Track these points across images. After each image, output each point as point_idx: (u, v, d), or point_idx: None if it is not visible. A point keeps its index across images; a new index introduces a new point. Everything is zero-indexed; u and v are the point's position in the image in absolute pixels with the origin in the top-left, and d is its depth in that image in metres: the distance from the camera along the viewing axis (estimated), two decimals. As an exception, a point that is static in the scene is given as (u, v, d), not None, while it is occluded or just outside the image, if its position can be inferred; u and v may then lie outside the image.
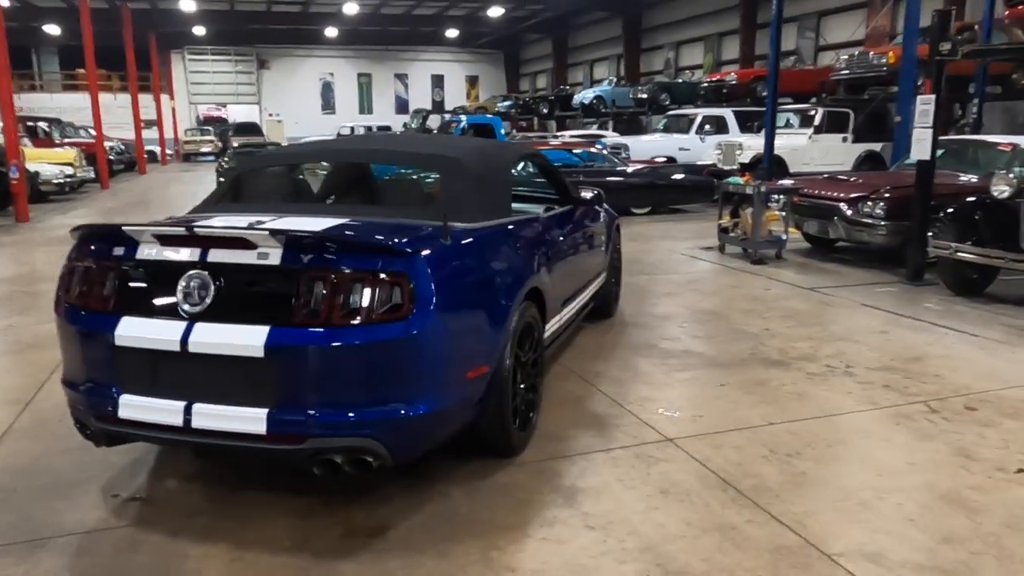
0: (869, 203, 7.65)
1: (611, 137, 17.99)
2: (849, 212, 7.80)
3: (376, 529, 2.83)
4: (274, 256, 2.62)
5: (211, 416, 2.62)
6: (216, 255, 2.67)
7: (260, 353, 2.55)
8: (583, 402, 4.14)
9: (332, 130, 34.09)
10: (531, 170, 5.78)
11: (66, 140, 21.01)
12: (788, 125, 15.05)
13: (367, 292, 2.60)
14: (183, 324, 2.64)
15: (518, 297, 3.28)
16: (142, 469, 3.36)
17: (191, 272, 2.68)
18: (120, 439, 2.95)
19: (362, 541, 2.76)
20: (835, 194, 8.08)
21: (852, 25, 19.95)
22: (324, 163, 4.58)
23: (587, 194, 5.04)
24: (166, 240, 2.74)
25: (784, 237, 8.47)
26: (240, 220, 3.05)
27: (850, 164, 14.18)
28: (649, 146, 16.19)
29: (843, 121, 14.42)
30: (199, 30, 34.14)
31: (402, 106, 41.91)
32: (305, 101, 41.09)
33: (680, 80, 23.90)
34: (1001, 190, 6.19)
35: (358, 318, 2.59)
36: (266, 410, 2.58)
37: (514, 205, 4.85)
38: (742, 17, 24.07)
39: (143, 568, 2.64)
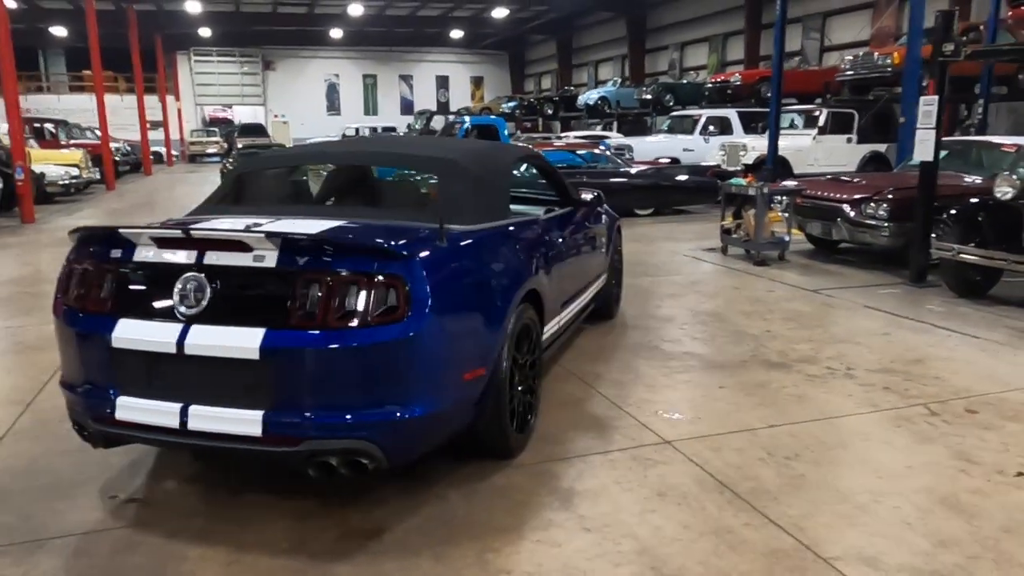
0: (872, 204, 7.63)
1: (615, 138, 17.99)
2: (852, 213, 7.78)
3: (372, 531, 2.83)
4: (270, 258, 2.62)
5: (207, 418, 2.63)
6: (212, 257, 2.68)
7: (256, 355, 2.55)
8: (582, 404, 4.14)
9: (337, 131, 34.21)
10: (532, 172, 5.77)
11: (72, 141, 21.10)
12: (792, 126, 15.01)
13: (363, 294, 2.61)
14: (179, 326, 2.65)
15: (515, 299, 3.27)
16: (140, 470, 3.37)
17: (187, 274, 2.69)
18: (117, 441, 2.95)
19: (358, 543, 2.76)
20: (838, 195, 8.06)
21: (857, 26, 19.91)
22: (323, 165, 4.59)
23: (587, 196, 5.04)
24: (163, 242, 2.75)
25: (787, 238, 8.46)
26: (237, 222, 3.05)
27: (854, 165, 14.14)
28: (653, 147, 16.18)
29: (847, 122, 14.38)
30: (205, 31, 34.25)
31: (407, 107, 41.96)
32: (310, 102, 41.19)
33: (684, 81, 23.91)
34: (1004, 192, 6.17)
35: (354, 320, 2.59)
36: (262, 412, 2.58)
37: (514, 207, 4.87)
38: (747, 18, 24.03)
39: (140, 569, 2.65)
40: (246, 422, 2.58)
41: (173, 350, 2.63)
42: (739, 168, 13.27)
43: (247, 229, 2.81)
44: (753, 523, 2.89)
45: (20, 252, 9.84)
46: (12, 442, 3.74)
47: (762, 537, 2.79)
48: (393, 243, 2.72)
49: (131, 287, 2.83)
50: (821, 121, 14.34)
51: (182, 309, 2.67)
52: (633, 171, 12.71)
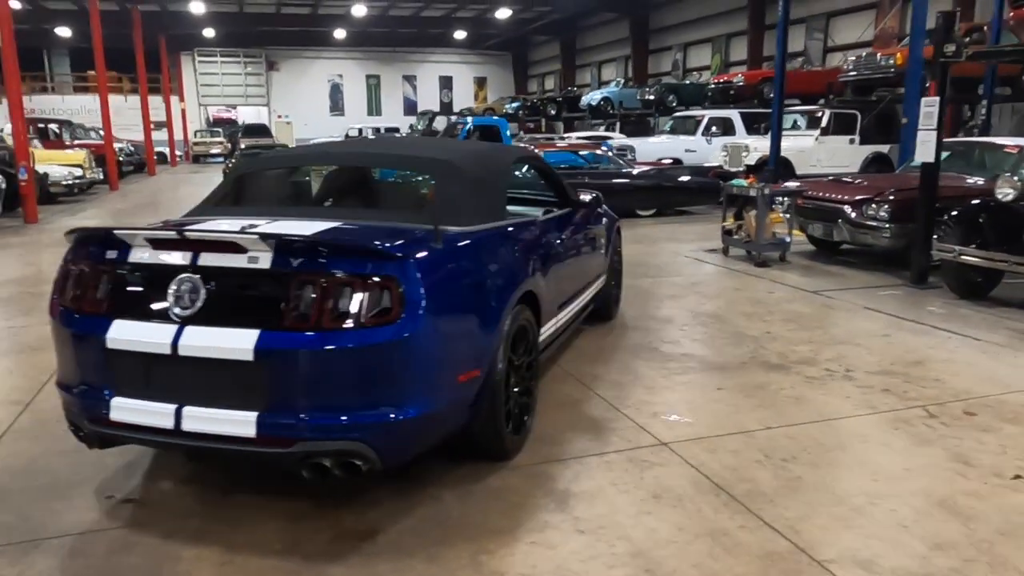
0: (873, 205, 7.62)
1: (617, 139, 17.98)
2: (853, 214, 7.76)
3: (366, 532, 2.83)
4: (264, 260, 2.62)
5: (201, 419, 2.63)
6: (207, 259, 2.68)
7: (249, 356, 2.56)
8: (580, 405, 4.13)
9: (341, 131, 34.26)
10: (531, 173, 5.77)
11: (76, 142, 21.17)
12: (795, 127, 14.99)
13: (357, 296, 2.61)
14: (174, 327, 2.65)
15: (511, 301, 3.27)
16: (137, 471, 3.37)
17: (182, 276, 2.69)
18: (113, 441, 2.96)
19: (351, 544, 2.76)
20: (839, 196, 8.05)
21: (861, 26, 19.87)
22: (322, 166, 4.59)
23: (586, 197, 5.03)
24: (157, 244, 2.76)
25: (788, 239, 8.44)
26: (233, 223, 3.06)
27: (857, 166, 14.11)
28: (655, 148, 16.16)
29: (850, 123, 14.35)
30: (209, 32, 34.35)
31: (411, 107, 42.01)
32: (314, 103, 41.25)
33: (687, 82, 23.88)
34: (1006, 193, 6.15)
35: (348, 322, 2.59)
36: (255, 413, 2.59)
37: (513, 208, 4.87)
38: (750, 18, 24.01)
39: (136, 570, 2.65)
40: (240, 423, 2.59)
41: (167, 351, 2.63)
42: (741, 169, 13.25)
43: (243, 230, 2.82)
44: (748, 525, 2.88)
45: (23, 252, 9.87)
46: (11, 441, 3.75)
47: (757, 539, 2.78)
48: (387, 244, 2.72)
49: (126, 288, 2.84)
50: (824, 122, 14.32)
51: (176, 310, 2.68)
52: (635, 172, 12.71)
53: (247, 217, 3.25)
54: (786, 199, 8.66)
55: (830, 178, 9.52)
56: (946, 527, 2.86)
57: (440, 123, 27.46)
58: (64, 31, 31.54)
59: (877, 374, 4.62)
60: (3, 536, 2.85)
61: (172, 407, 2.66)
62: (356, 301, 2.60)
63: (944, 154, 7.82)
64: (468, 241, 3.19)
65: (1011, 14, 8.74)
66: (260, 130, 32.22)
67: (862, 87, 15.00)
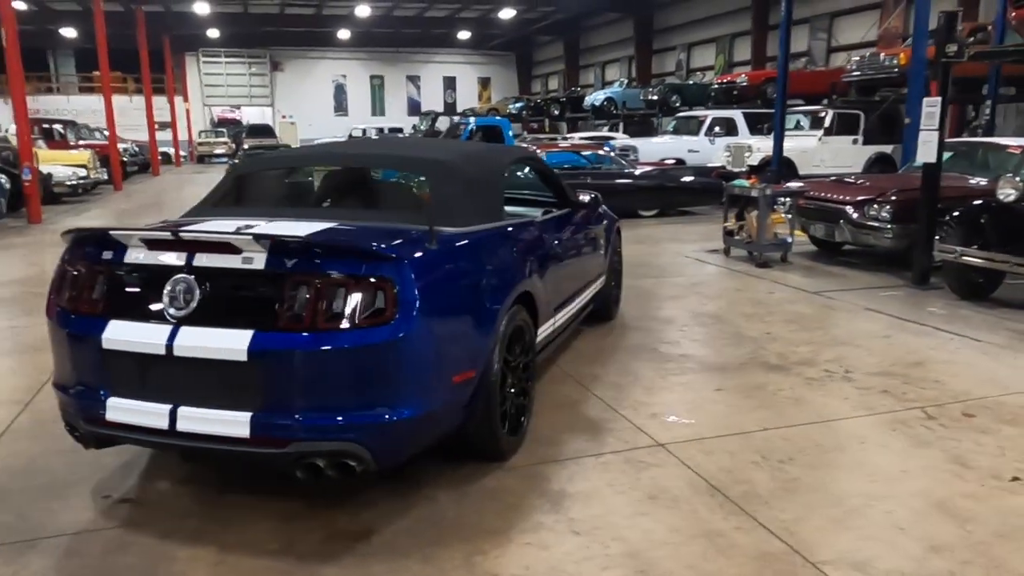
0: (875, 206, 7.59)
1: (620, 139, 17.96)
2: (855, 215, 7.74)
3: (360, 533, 2.84)
4: (258, 260, 2.63)
5: (196, 419, 2.64)
6: (202, 259, 2.69)
7: (243, 357, 2.56)
8: (578, 406, 4.13)
9: (345, 132, 34.27)
10: (531, 174, 5.77)
11: (81, 142, 21.23)
12: (798, 127, 14.95)
13: (351, 297, 2.61)
14: (168, 328, 2.66)
15: (507, 301, 3.27)
16: (134, 471, 3.38)
17: (177, 276, 2.70)
18: (108, 441, 2.96)
19: (346, 545, 2.76)
20: (841, 197, 8.03)
21: (865, 26, 19.80)
22: (319, 167, 4.60)
23: (585, 197, 5.03)
24: (153, 244, 2.76)
25: (789, 240, 8.42)
26: (229, 224, 3.06)
27: (861, 166, 14.07)
28: (658, 148, 16.14)
29: (853, 123, 14.31)
30: (213, 33, 34.42)
31: (414, 108, 42.03)
32: (318, 103, 41.29)
33: (691, 82, 23.83)
34: (1007, 193, 6.13)
35: (342, 323, 2.59)
36: (249, 414, 2.59)
37: (513, 209, 4.87)
38: (754, 19, 23.95)
39: (131, 569, 2.66)
40: (234, 423, 2.59)
41: (162, 351, 2.64)
42: (744, 169, 13.23)
43: (238, 231, 2.82)
44: (744, 527, 2.87)
45: (26, 252, 9.91)
46: (10, 441, 3.77)
47: (752, 541, 2.78)
48: (382, 245, 2.73)
49: (122, 289, 2.85)
50: (827, 122, 14.28)
51: (171, 311, 2.68)
52: (638, 172, 12.70)
53: (244, 218, 3.26)
54: (788, 199, 8.64)
55: (832, 178, 9.49)
56: (943, 529, 2.85)
57: (443, 123, 27.48)
58: (69, 32, 31.65)
59: (876, 375, 4.60)
60: (0, 536, 2.85)
61: (167, 407, 2.67)
62: (350, 302, 2.60)
63: (947, 154, 7.80)
64: (463, 242, 3.19)
65: (1013, 14, 8.71)
66: (264, 130, 32.28)
67: (865, 87, 14.94)
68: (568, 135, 23.47)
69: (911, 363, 4.84)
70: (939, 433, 3.74)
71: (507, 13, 31.08)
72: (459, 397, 3.01)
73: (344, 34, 35.79)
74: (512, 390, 3.41)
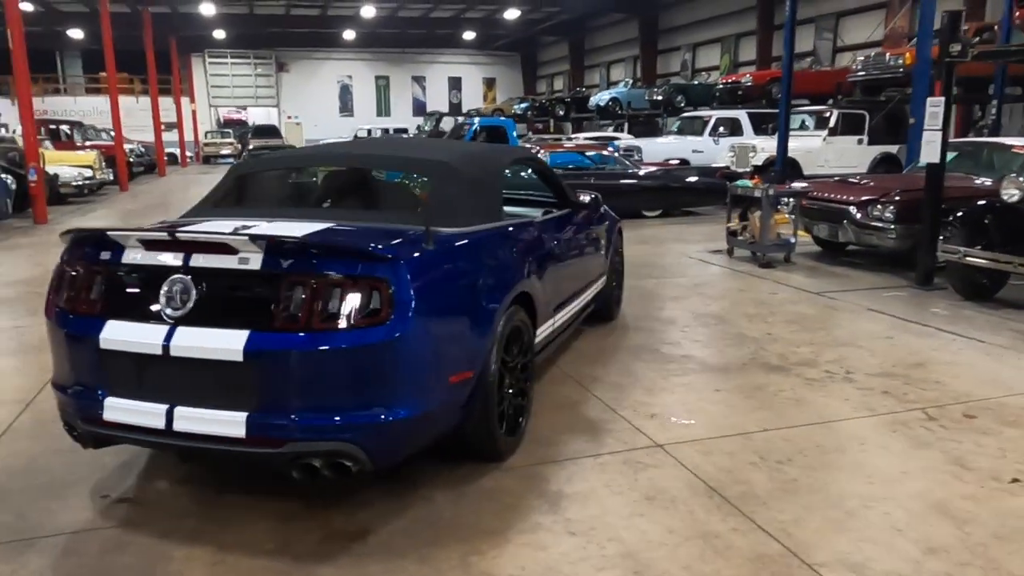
0: (879, 206, 7.57)
1: (625, 139, 17.95)
2: (858, 215, 7.72)
3: (357, 533, 2.84)
4: (254, 261, 2.63)
5: (192, 419, 2.64)
6: (198, 260, 2.69)
7: (239, 357, 2.56)
8: (577, 407, 4.12)
9: (350, 132, 34.35)
10: (532, 175, 5.77)
11: (88, 143, 21.32)
12: (803, 127, 14.92)
13: (347, 297, 2.61)
14: (165, 328, 2.67)
15: (504, 302, 3.27)
16: (133, 471, 3.39)
17: (174, 276, 2.71)
18: (106, 441, 2.97)
19: (342, 545, 2.77)
20: (845, 197, 8.00)
21: (871, 26, 19.74)
22: (318, 167, 4.61)
23: (585, 198, 5.02)
24: (150, 245, 2.77)
25: (793, 240, 8.40)
26: (227, 224, 3.07)
27: (866, 166, 14.03)
28: (663, 148, 16.13)
29: (858, 123, 14.27)
30: (219, 34, 34.52)
31: (420, 108, 42.07)
32: (324, 103, 41.41)
33: (696, 82, 23.79)
34: (1011, 194, 6.10)
35: (337, 323, 2.60)
36: (245, 414, 2.59)
37: (513, 209, 4.87)
38: (759, 18, 23.92)
39: (128, 569, 2.67)
40: (230, 423, 2.60)
41: (159, 352, 2.65)
42: (748, 169, 13.20)
43: (236, 231, 2.82)
44: (741, 528, 2.87)
45: (32, 253, 9.95)
46: (10, 440, 3.78)
47: (749, 542, 2.77)
48: (377, 246, 2.73)
49: (120, 289, 2.86)
50: (832, 122, 14.25)
51: (168, 311, 2.69)
52: (642, 172, 12.68)
53: (242, 218, 3.26)
54: (791, 200, 8.62)
55: (836, 178, 9.47)
56: (941, 531, 2.84)
57: (447, 124, 27.52)
58: (76, 33, 31.80)
59: (878, 376, 4.59)
60: (-2, 535, 2.87)
61: (164, 407, 2.68)
62: (346, 302, 2.61)
63: (952, 154, 7.78)
64: (461, 242, 3.19)
65: (1018, 13, 8.68)
66: (270, 131, 32.39)
67: (871, 87, 14.91)
68: (573, 135, 23.46)
69: (913, 364, 4.82)
70: (939, 434, 3.73)
71: (512, 14, 31.11)
72: (456, 397, 3.01)
73: (349, 35, 35.85)
74: (510, 391, 3.41)
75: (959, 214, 6.49)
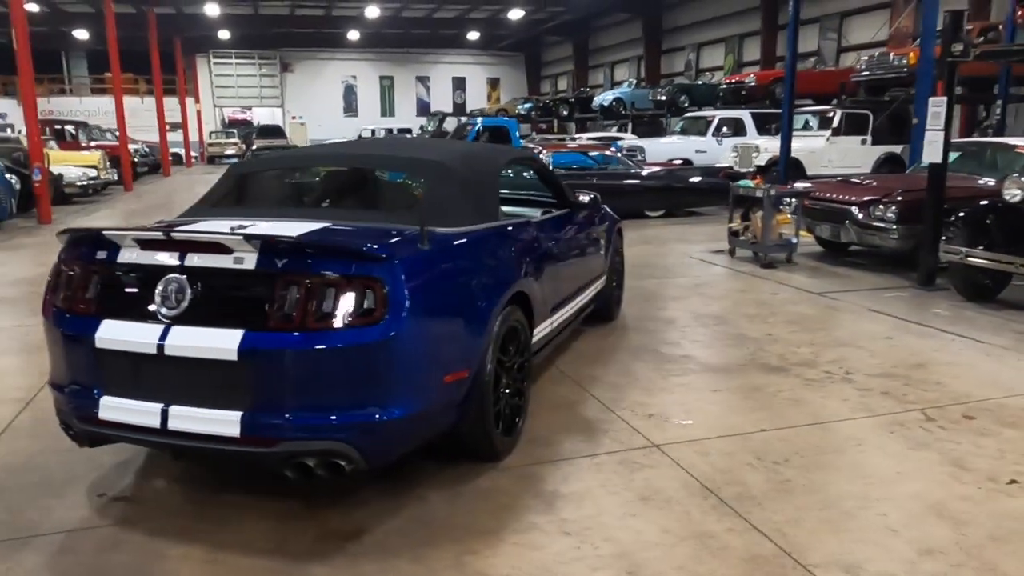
0: (881, 206, 7.55)
1: (628, 139, 17.94)
2: (860, 215, 7.69)
3: (352, 532, 2.84)
4: (249, 260, 2.64)
5: (187, 418, 2.65)
6: (194, 259, 2.70)
7: (233, 356, 2.57)
8: (575, 407, 4.12)
9: (354, 132, 34.41)
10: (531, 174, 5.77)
11: (93, 143, 21.39)
12: (807, 127, 14.89)
13: (341, 297, 2.61)
14: (160, 327, 2.67)
15: (500, 302, 3.26)
16: (130, 469, 3.40)
17: (169, 276, 2.71)
18: (102, 440, 2.99)
19: (336, 544, 2.77)
20: (847, 197, 7.98)
21: (875, 26, 19.69)
22: (317, 167, 4.61)
23: (584, 198, 5.02)
24: (146, 244, 2.78)
25: (794, 240, 8.38)
26: (223, 224, 3.07)
27: (869, 167, 13.99)
28: (665, 148, 16.11)
29: (862, 123, 14.23)
30: (224, 34, 34.62)
31: (424, 108, 42.12)
32: (328, 104, 41.47)
33: (700, 82, 23.77)
34: (1013, 194, 6.08)
35: (332, 322, 2.60)
36: (239, 413, 2.60)
37: (513, 209, 4.87)
38: (763, 18, 23.88)
39: (123, 567, 2.67)
40: (224, 423, 2.60)
41: (154, 351, 2.65)
42: (751, 169, 13.18)
43: (232, 231, 2.83)
44: (736, 528, 2.86)
45: (36, 252, 9.98)
46: (10, 439, 3.80)
47: (743, 543, 2.76)
48: (372, 246, 2.73)
49: (115, 288, 2.87)
50: (835, 122, 14.22)
51: (163, 310, 2.70)
52: (645, 173, 12.67)
53: (239, 218, 3.27)
54: (793, 200, 8.60)
55: (839, 179, 9.44)
56: (936, 532, 2.83)
57: (450, 124, 27.55)
58: (82, 34, 31.92)
59: (877, 377, 4.57)
60: (-5, 533, 2.88)
61: (159, 406, 2.68)
62: (340, 302, 2.61)
63: (955, 155, 7.76)
64: (456, 242, 3.19)
65: (1020, 13, 8.65)
66: (274, 131, 32.44)
67: (875, 87, 14.88)
68: (576, 135, 23.45)
69: (913, 365, 4.81)
70: (938, 435, 3.71)
71: (516, 14, 31.11)
72: (451, 397, 3.01)
73: (354, 35, 35.92)
74: (506, 390, 3.41)
75: (961, 214, 6.47)
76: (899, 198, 7.47)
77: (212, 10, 28.61)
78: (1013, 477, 3.26)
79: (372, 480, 3.10)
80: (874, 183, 8.40)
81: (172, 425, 2.67)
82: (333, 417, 2.62)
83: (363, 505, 3.02)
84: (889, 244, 7.58)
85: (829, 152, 14.02)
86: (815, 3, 21.01)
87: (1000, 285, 6.48)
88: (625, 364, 4.87)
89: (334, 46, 39.27)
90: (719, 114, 17.05)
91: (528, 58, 43.45)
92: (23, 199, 12.92)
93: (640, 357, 5.02)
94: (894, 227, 7.40)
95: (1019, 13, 8.51)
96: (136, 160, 23.06)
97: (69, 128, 22.04)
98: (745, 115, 16.84)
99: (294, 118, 39.92)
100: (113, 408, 2.76)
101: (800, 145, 13.69)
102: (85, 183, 15.95)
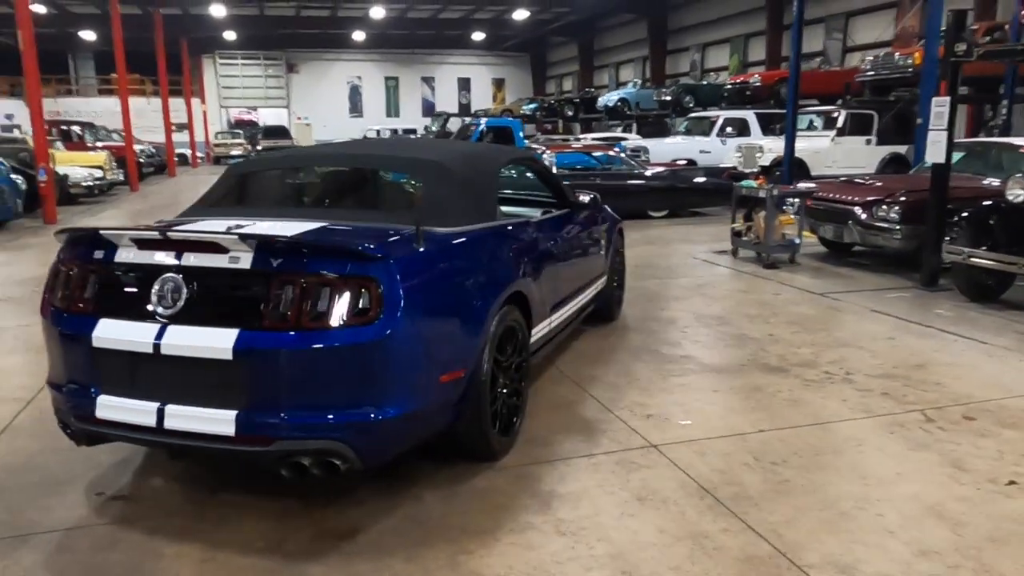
0: (884, 207, 7.52)
1: (632, 140, 17.92)
2: (864, 216, 7.67)
3: (347, 532, 2.85)
4: (245, 260, 2.64)
5: (183, 417, 2.66)
6: (190, 259, 2.71)
7: (229, 356, 2.58)
8: (573, 407, 4.12)
9: (360, 133, 34.46)
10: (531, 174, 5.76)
11: (99, 143, 21.47)
12: (811, 127, 14.84)
13: (336, 296, 2.62)
14: (156, 326, 2.68)
15: (497, 301, 3.26)
16: (129, 468, 3.41)
17: (165, 275, 2.72)
18: (99, 439, 3.00)
19: (332, 544, 2.77)
20: (850, 197, 7.96)
21: (881, 26, 19.60)
22: (316, 167, 4.62)
23: (584, 198, 5.01)
24: (142, 244, 2.79)
25: (797, 241, 8.36)
26: (220, 224, 3.08)
27: (874, 167, 13.94)
28: (670, 149, 16.10)
29: (867, 123, 14.19)
30: (230, 35, 34.72)
31: (429, 109, 42.16)
32: (333, 104, 41.55)
33: (705, 82, 23.72)
34: (1016, 194, 6.06)
35: (327, 322, 2.60)
36: (235, 412, 2.60)
37: (512, 209, 4.87)
38: (768, 19, 23.80)
39: (119, 566, 2.68)
40: (220, 422, 2.61)
41: (150, 350, 2.66)
42: (755, 170, 13.15)
43: (228, 231, 2.84)
44: (732, 529, 2.86)
45: (40, 253, 10.02)
46: (10, 438, 3.82)
47: (739, 543, 2.76)
48: (367, 245, 2.73)
49: (113, 288, 2.88)
50: (840, 122, 14.17)
51: (159, 310, 2.71)
52: (649, 173, 12.66)
53: (237, 217, 3.28)
54: (796, 200, 8.58)
55: (842, 179, 9.41)
56: (934, 533, 2.82)
57: (454, 124, 27.57)
58: (88, 35, 32.05)
59: (877, 377, 4.56)
60: (-7, 531, 2.90)
61: (155, 405, 2.69)
62: (335, 301, 2.61)
63: (959, 155, 7.72)
64: (452, 242, 3.19)
65: (1022, 12, 8.61)
66: (280, 131, 32.52)
67: (880, 87, 14.82)
68: (581, 136, 23.44)
69: (914, 365, 4.79)
70: (937, 436, 3.70)
71: (521, 14, 31.11)
72: (447, 397, 3.01)
73: (359, 36, 35.98)
74: (504, 390, 3.41)
75: (964, 215, 6.44)
76: (902, 198, 7.44)
77: (218, 11, 28.68)
78: (1012, 478, 3.25)
79: (368, 479, 3.11)
80: (877, 183, 8.37)
81: (168, 424, 2.67)
82: (328, 416, 2.63)
83: (359, 504, 3.02)
84: (892, 245, 7.55)
85: (833, 152, 13.98)
86: (820, 3, 20.94)
87: (1003, 286, 6.45)
88: (625, 364, 4.87)
89: (339, 47, 39.35)
90: (723, 114, 17.02)
91: (533, 59, 43.44)
92: (29, 199, 12.96)
93: (640, 357, 5.01)
94: (897, 227, 7.38)
95: (1022, 13, 8.46)
96: (142, 161, 23.12)
97: (75, 129, 22.11)
98: (749, 115, 16.81)
99: (299, 119, 40.00)
100: (110, 407, 2.77)
101: (804, 145, 13.65)
102: (91, 183, 16.00)
